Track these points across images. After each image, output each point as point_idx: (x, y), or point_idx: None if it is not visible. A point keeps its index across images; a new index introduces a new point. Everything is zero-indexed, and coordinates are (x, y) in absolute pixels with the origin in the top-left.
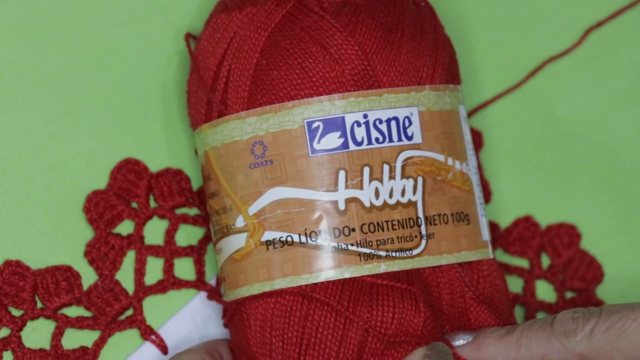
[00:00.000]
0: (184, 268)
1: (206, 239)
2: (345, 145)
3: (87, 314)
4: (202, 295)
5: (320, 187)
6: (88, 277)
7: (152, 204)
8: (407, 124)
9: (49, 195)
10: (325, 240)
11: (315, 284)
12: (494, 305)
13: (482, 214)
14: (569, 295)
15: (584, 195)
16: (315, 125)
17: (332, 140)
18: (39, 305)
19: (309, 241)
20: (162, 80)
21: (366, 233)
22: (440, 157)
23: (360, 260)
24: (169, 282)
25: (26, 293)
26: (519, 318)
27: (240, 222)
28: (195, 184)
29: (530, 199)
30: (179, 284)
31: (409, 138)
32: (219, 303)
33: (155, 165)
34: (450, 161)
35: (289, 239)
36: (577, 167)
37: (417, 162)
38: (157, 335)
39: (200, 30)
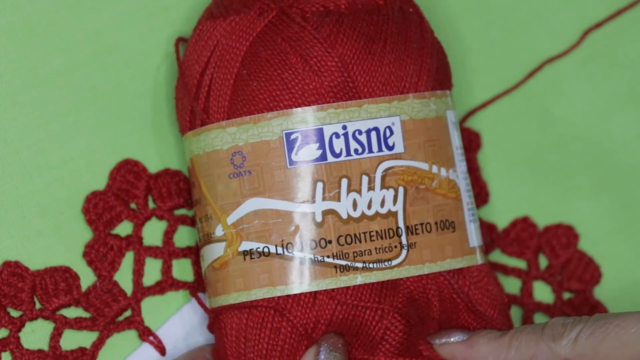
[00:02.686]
0: (182, 269)
1: None
2: (323, 156)
3: (85, 315)
4: (200, 296)
5: (297, 199)
6: (87, 278)
7: (151, 205)
8: (388, 133)
9: (48, 195)
10: (302, 251)
11: (288, 295)
12: (484, 312)
13: (471, 219)
14: (566, 296)
15: (581, 196)
16: (293, 136)
17: (311, 151)
18: (38, 306)
19: (286, 252)
20: (161, 81)
21: (342, 245)
22: (424, 166)
23: (336, 272)
24: (167, 283)
25: (25, 294)
26: (516, 319)
27: (219, 231)
28: None
29: (528, 199)
30: (177, 285)
31: (390, 148)
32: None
33: (154, 166)
34: (435, 169)
35: (266, 249)
36: (575, 167)
37: (398, 172)
38: (155, 336)
39: None
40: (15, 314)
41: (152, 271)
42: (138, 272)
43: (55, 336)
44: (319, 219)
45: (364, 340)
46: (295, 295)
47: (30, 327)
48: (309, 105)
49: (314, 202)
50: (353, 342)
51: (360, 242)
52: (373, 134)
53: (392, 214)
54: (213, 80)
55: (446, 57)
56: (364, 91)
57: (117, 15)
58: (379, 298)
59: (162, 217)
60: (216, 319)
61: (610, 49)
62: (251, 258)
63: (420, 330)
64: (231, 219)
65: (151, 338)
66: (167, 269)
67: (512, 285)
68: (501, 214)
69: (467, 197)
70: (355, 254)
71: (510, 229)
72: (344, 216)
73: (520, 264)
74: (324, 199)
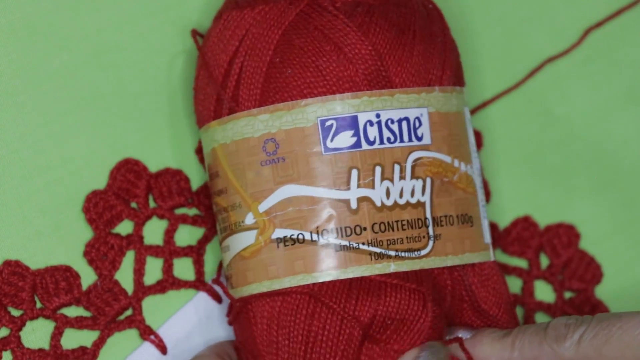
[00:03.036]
0: (183, 268)
1: (205, 239)
2: (357, 144)
3: (86, 314)
4: (201, 295)
5: (332, 186)
6: (87, 277)
7: (152, 204)
8: (417, 124)
9: (48, 195)
10: (336, 238)
11: (322, 282)
12: (489, 310)
13: (484, 216)
14: (567, 295)
15: (583, 195)
16: (328, 123)
17: (345, 139)
18: (38, 305)
19: (320, 239)
20: (161, 80)
21: (377, 232)
22: (447, 159)
23: (371, 259)
24: (168, 282)
25: (25, 293)
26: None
27: (250, 219)
28: (195, 184)
29: (530, 199)
30: (178, 284)
31: (419, 139)
32: (217, 303)
33: (154, 165)
34: (456, 163)
35: (300, 237)
36: (576, 167)
37: (426, 162)
38: (157, 335)
39: (201, 28)
40: (15, 313)
41: (153, 270)
42: (139, 271)
43: (56, 335)
44: (354, 205)
45: (398, 327)
46: (330, 282)
47: (31, 326)
48: (344, 92)
49: (349, 189)
50: (392, 333)
51: (393, 230)
52: (404, 124)
53: (421, 204)
54: (243, 69)
55: (459, 56)
56: (395, 81)
57: (118, 15)
58: (416, 284)
59: (163, 216)
60: (243, 308)
61: (611, 49)
62: (285, 245)
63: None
64: (263, 206)
65: (152, 337)
66: (168, 268)
67: (513, 285)
68: (502, 213)
69: (480, 194)
70: (388, 242)
71: (511, 229)
72: (378, 204)
73: (521, 263)
74: (358, 186)
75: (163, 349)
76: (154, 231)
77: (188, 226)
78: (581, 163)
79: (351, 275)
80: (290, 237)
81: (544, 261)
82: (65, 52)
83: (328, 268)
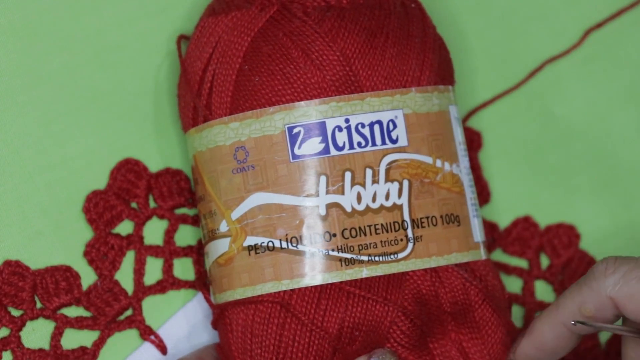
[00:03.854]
0: (184, 268)
1: None
2: (326, 150)
3: (86, 314)
4: (202, 295)
5: (301, 193)
6: (87, 277)
7: (152, 204)
8: (391, 127)
9: (49, 195)
10: (307, 245)
11: (293, 290)
12: (497, 303)
13: (475, 214)
14: None
15: (583, 195)
16: (296, 130)
17: (313, 145)
18: (39, 305)
19: (290, 246)
20: (161, 80)
21: (347, 238)
22: (428, 159)
23: (342, 265)
24: (168, 282)
25: (26, 293)
26: (518, 318)
27: (224, 226)
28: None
29: (530, 199)
30: (179, 284)
31: (394, 141)
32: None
33: (154, 165)
34: (439, 163)
35: (271, 244)
36: (576, 167)
37: (402, 165)
38: (157, 336)
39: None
40: (16, 313)
41: (153, 270)
42: (139, 271)
43: (56, 335)
44: (323, 212)
45: (373, 338)
46: (300, 289)
47: (31, 326)
48: (311, 99)
49: (317, 195)
50: (361, 346)
51: (365, 235)
52: (376, 127)
53: (397, 207)
54: (215, 77)
55: (448, 53)
56: (366, 85)
57: (118, 15)
58: (386, 293)
59: (163, 217)
60: (221, 315)
61: (611, 49)
62: (256, 253)
63: (430, 327)
64: (235, 214)
65: (152, 337)
66: (168, 268)
67: (513, 285)
68: (502, 214)
69: (470, 192)
70: (360, 247)
71: (511, 229)
72: (349, 209)
73: (521, 263)
74: (327, 192)
75: (163, 349)
76: (154, 231)
77: (188, 226)
78: (581, 163)
79: (321, 282)
80: (261, 245)
81: (545, 261)
82: (65, 52)
83: (298, 275)
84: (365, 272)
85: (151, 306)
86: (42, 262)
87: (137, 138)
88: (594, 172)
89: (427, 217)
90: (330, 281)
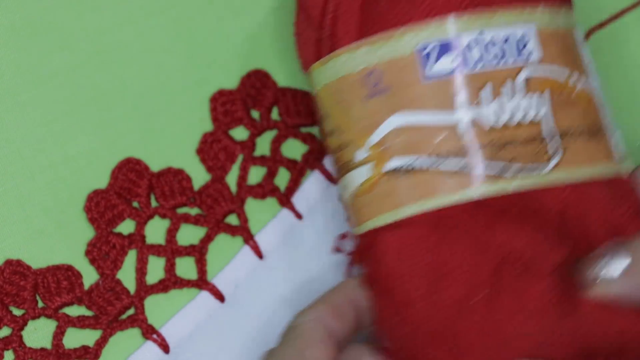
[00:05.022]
0: (186, 267)
1: (207, 239)
2: (462, 66)
3: (88, 313)
4: (204, 294)
5: (440, 110)
6: (89, 276)
7: (153, 203)
8: (525, 40)
9: (50, 194)
10: (450, 162)
11: (443, 209)
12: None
13: (613, 130)
14: None
15: None
16: (428, 49)
17: (447, 62)
18: (40, 304)
19: (434, 164)
20: (163, 79)
21: (491, 152)
22: (564, 71)
23: (488, 180)
24: (170, 281)
25: (27, 292)
26: None
27: (361, 154)
28: (196, 183)
29: None
30: (181, 283)
31: (529, 54)
32: (220, 302)
33: (156, 164)
34: (574, 76)
35: (414, 164)
36: None
37: (539, 78)
38: (159, 335)
39: (201, 28)
40: (17, 312)
41: (155, 269)
42: (141, 271)
43: (58, 334)
44: (463, 128)
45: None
46: (451, 209)
47: (33, 325)
48: (442, 15)
49: (457, 112)
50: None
51: (508, 148)
52: (510, 41)
53: (540, 119)
54: (339, 6)
55: None
56: (495, 0)
57: (119, 14)
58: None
59: (165, 216)
60: (370, 244)
61: (611, 49)
62: (399, 175)
63: (580, 248)
64: (373, 139)
65: (155, 336)
66: (170, 267)
67: None
68: None
69: (603, 110)
70: (505, 161)
71: None
72: (490, 124)
73: None
74: (466, 107)
75: (165, 348)
76: (155, 230)
77: (190, 225)
78: None
79: (468, 199)
80: (404, 166)
81: None
82: (66, 51)
83: (444, 193)
84: (513, 185)
85: (153, 305)
86: (43, 261)
87: (139, 137)
88: None
89: (572, 128)
90: (478, 197)
